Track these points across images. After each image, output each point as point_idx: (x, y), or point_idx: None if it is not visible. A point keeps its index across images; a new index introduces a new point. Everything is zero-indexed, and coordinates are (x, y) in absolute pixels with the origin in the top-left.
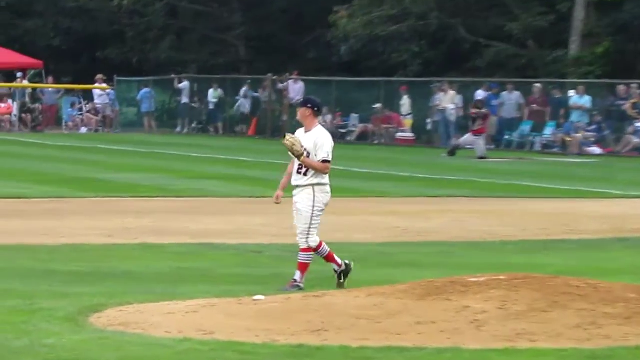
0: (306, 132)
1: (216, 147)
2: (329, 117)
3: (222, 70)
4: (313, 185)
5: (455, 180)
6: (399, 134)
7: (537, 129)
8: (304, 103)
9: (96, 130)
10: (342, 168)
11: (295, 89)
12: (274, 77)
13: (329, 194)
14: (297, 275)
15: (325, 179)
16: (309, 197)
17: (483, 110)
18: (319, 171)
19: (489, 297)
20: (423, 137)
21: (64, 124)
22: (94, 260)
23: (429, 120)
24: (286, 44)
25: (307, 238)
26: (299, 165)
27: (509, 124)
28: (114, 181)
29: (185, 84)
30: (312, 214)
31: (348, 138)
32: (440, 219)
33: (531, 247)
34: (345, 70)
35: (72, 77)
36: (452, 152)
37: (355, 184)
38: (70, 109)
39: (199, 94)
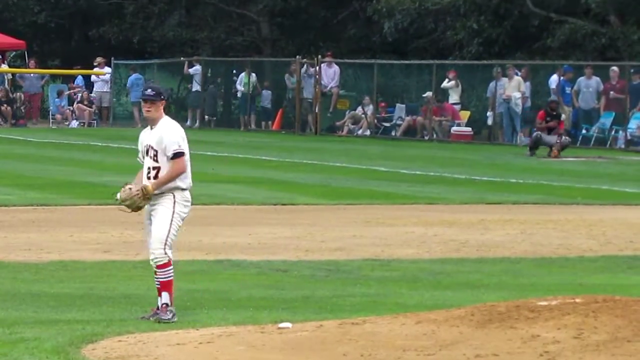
0: (152, 129)
1: (234, 144)
2: (370, 108)
3: (241, 51)
4: (171, 189)
5: (522, 183)
6: (454, 128)
7: (620, 121)
8: (155, 95)
9: (90, 124)
10: (385, 169)
11: (329, 73)
12: (303, 60)
13: (190, 203)
14: (166, 297)
15: (185, 182)
16: (169, 202)
17: (561, 117)
18: (175, 177)
19: (563, 324)
20: (483, 131)
21: (50, 116)
22: (87, 280)
23: (489, 112)
24: (317, 21)
25: (165, 248)
26: (148, 169)
27: (587, 116)
28: (111, 185)
29: (196, 69)
30: (172, 221)
31: (393, 133)
32: (505, 230)
33: (613, 264)
34: (390, 52)
35: (60, 60)
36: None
37: (402, 189)
38: (57, 99)
39: (212, 79)
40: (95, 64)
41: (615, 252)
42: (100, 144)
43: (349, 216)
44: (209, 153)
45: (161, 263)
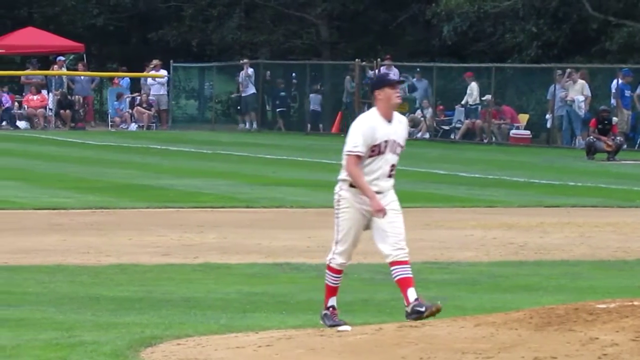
0: (390, 121)
1: (293, 147)
2: (428, 111)
3: (300, 54)
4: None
5: (581, 186)
6: (513, 132)
7: None
8: (399, 82)
9: (148, 127)
10: (444, 172)
11: None
12: (362, 63)
13: None
14: (412, 294)
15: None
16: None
17: (613, 121)
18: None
19: (621, 326)
20: (541, 135)
21: (109, 119)
22: (146, 283)
23: (548, 115)
24: (376, 24)
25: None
26: (391, 166)
27: None
28: (170, 188)
29: (251, 71)
30: None
31: (452, 136)
32: (563, 233)
33: None
34: (448, 55)
35: (118, 63)
36: (615, 153)
37: (461, 191)
38: (116, 102)
39: (271, 82)
40: (151, 66)
41: None
42: (158, 146)
43: (407, 219)
44: (268, 156)
45: (405, 259)
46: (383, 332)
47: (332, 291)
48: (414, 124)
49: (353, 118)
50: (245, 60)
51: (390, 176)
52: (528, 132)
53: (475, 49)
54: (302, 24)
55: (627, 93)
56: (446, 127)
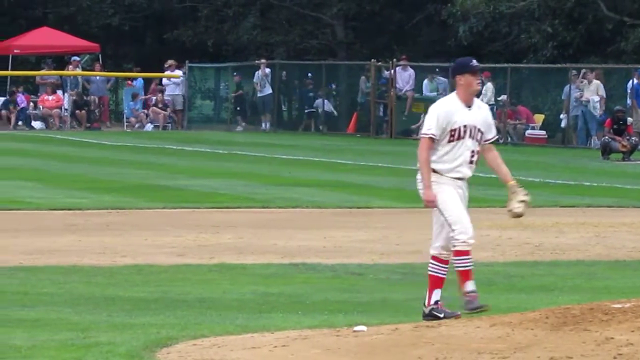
0: (470, 107)
1: (309, 148)
2: None
3: (316, 54)
4: None
5: (596, 187)
6: (529, 132)
7: None
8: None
9: (164, 128)
10: None
11: (404, 77)
12: (378, 63)
13: None
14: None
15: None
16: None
17: (628, 121)
18: None
19: (636, 326)
20: (557, 135)
21: (125, 119)
22: (161, 284)
23: (563, 115)
24: (392, 24)
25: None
26: (472, 152)
27: None
28: (186, 188)
29: (268, 71)
30: None
31: None
32: (579, 233)
33: None
34: (464, 55)
35: (134, 63)
36: (630, 153)
37: (477, 192)
38: (132, 102)
39: (288, 83)
40: (166, 66)
41: None
42: (174, 147)
43: (424, 219)
44: (284, 156)
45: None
46: (399, 332)
47: (438, 283)
48: None
49: (368, 118)
50: (262, 61)
51: (472, 162)
52: (543, 132)
53: (491, 49)
54: (318, 24)
55: None
56: None
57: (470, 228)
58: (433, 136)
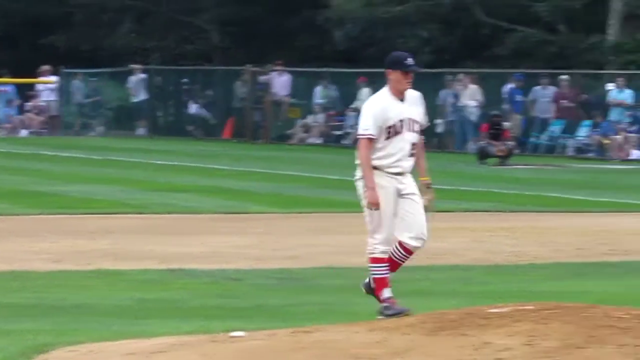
0: (403, 100)
1: (185, 153)
2: (320, 117)
3: (192, 59)
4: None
5: (474, 191)
6: None
7: (570, 129)
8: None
9: (39, 133)
10: (335, 177)
11: (280, 82)
12: (254, 69)
13: None
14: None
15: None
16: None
17: (504, 125)
18: None
19: (514, 331)
20: (432, 140)
21: None
22: (38, 290)
23: (439, 120)
24: (268, 29)
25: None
26: (411, 144)
27: (542, 125)
28: (61, 194)
29: (144, 76)
30: None
31: (344, 142)
32: (456, 237)
33: (564, 271)
34: (341, 60)
35: (7, 69)
36: (507, 157)
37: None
38: (6, 108)
39: (164, 87)
40: (39, 71)
41: (566, 259)
42: (49, 152)
43: (300, 224)
44: (160, 162)
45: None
46: (277, 338)
47: (385, 283)
48: (305, 130)
49: (244, 123)
50: (136, 66)
51: (411, 155)
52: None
53: (368, 54)
54: (194, 29)
55: (519, 98)
56: (338, 132)
57: (390, 241)
58: (371, 136)
